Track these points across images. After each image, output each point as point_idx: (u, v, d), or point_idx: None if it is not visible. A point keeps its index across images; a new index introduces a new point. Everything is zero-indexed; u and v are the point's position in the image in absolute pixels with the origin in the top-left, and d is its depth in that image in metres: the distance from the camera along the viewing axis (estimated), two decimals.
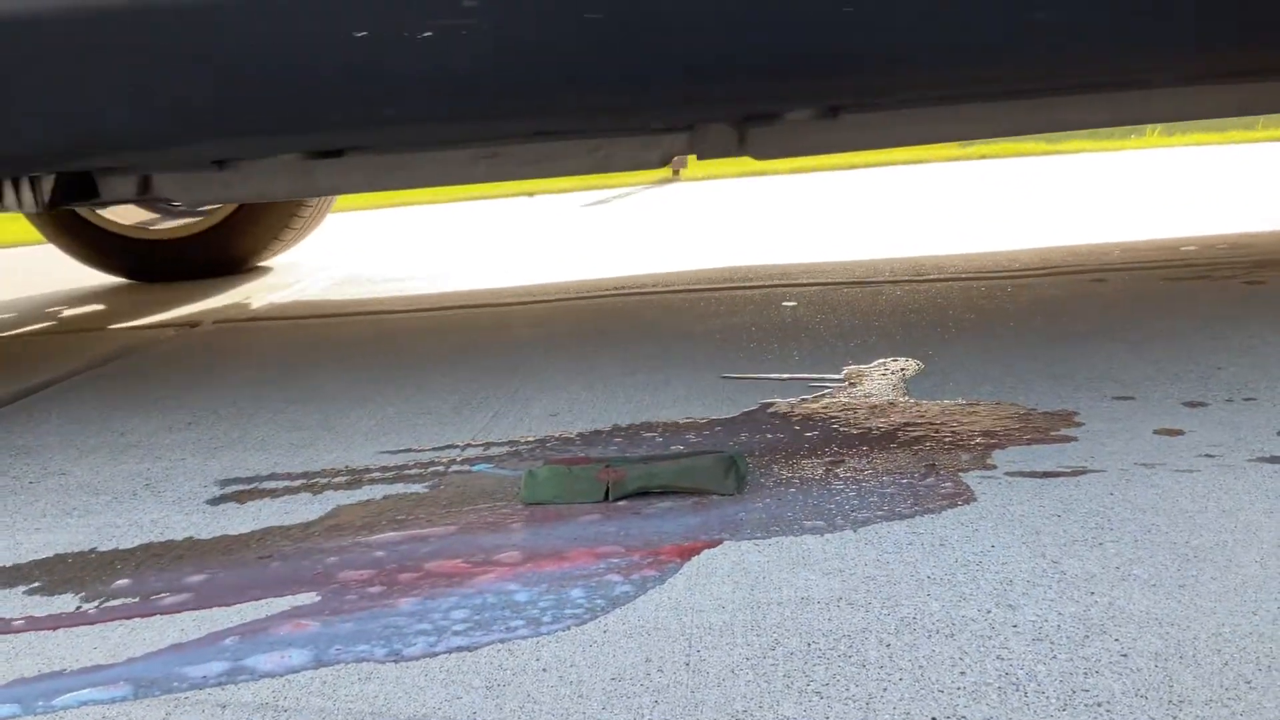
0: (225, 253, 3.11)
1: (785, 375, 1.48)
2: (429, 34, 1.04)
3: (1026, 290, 1.94)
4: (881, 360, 1.52)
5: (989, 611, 0.78)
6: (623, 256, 2.87)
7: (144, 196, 1.53)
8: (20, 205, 1.41)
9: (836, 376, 1.46)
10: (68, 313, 2.69)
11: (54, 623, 0.92)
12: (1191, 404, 1.22)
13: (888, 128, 1.47)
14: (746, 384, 1.45)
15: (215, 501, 1.17)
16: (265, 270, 3.22)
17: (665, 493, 1.07)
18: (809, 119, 1.42)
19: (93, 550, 1.07)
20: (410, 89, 1.13)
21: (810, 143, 1.48)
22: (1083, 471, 1.04)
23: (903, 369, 1.47)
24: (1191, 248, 2.27)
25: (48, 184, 1.40)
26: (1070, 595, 0.80)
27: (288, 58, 1.10)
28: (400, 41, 1.05)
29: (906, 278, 2.17)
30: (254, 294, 2.74)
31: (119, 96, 1.12)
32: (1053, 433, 1.16)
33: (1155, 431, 1.14)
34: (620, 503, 1.06)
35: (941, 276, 2.15)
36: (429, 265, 3.03)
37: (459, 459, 1.25)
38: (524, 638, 0.81)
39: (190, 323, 2.35)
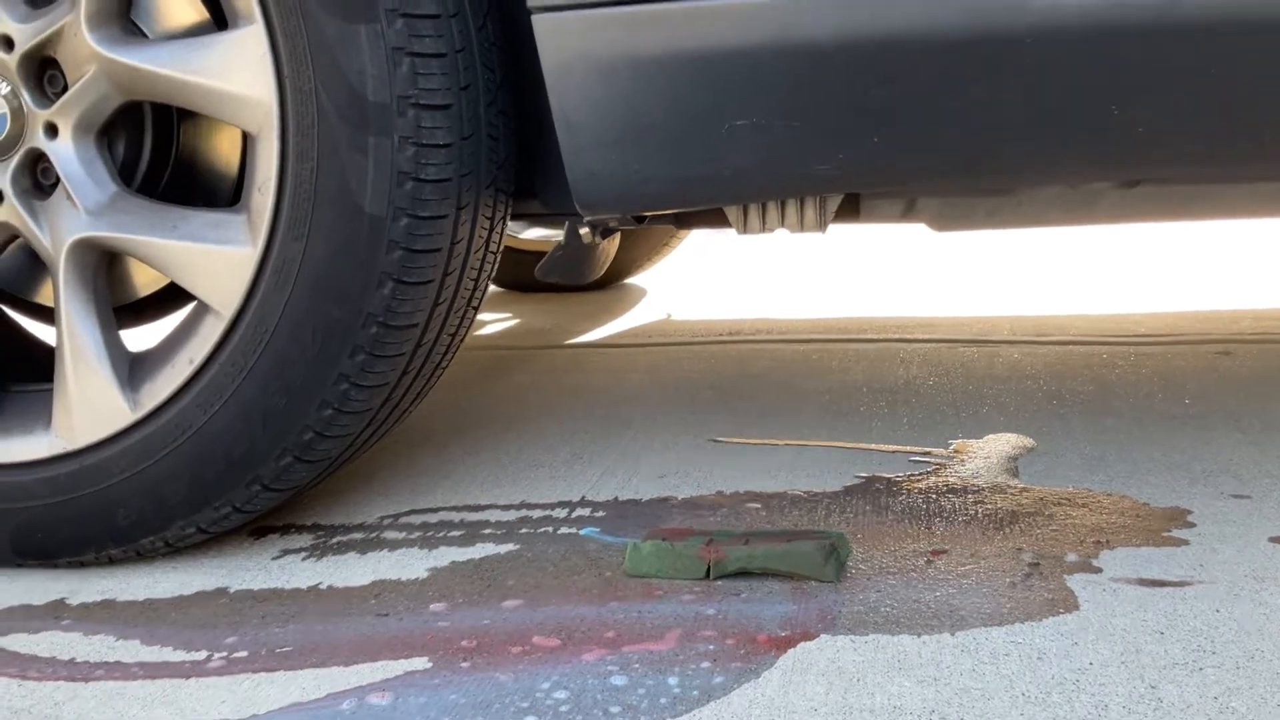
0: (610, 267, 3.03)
1: (891, 447, 1.49)
2: None
3: (1149, 360, 1.90)
4: (992, 435, 1.52)
5: None
6: (735, 296, 2.89)
7: (902, 219, 1.50)
8: (802, 225, 1.45)
9: (944, 452, 1.46)
10: None
11: (189, 670, 1.00)
12: None
13: None
14: (851, 453, 1.47)
15: (339, 549, 1.24)
16: (633, 287, 3.20)
17: (765, 574, 1.09)
18: None
19: (224, 594, 1.15)
20: None
21: None
22: (1190, 583, 1.03)
23: (1014, 447, 1.46)
24: None
25: (834, 203, 1.40)
26: None
27: None
28: None
29: (1026, 338, 2.15)
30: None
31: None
32: (1164, 534, 1.14)
33: (1270, 539, 1.12)
34: (719, 581, 1.09)
35: (1063, 339, 2.12)
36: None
37: (569, 518, 1.29)
38: None
39: None
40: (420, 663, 0.97)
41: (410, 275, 1.12)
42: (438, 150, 1.11)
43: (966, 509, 1.25)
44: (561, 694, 0.90)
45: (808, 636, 0.97)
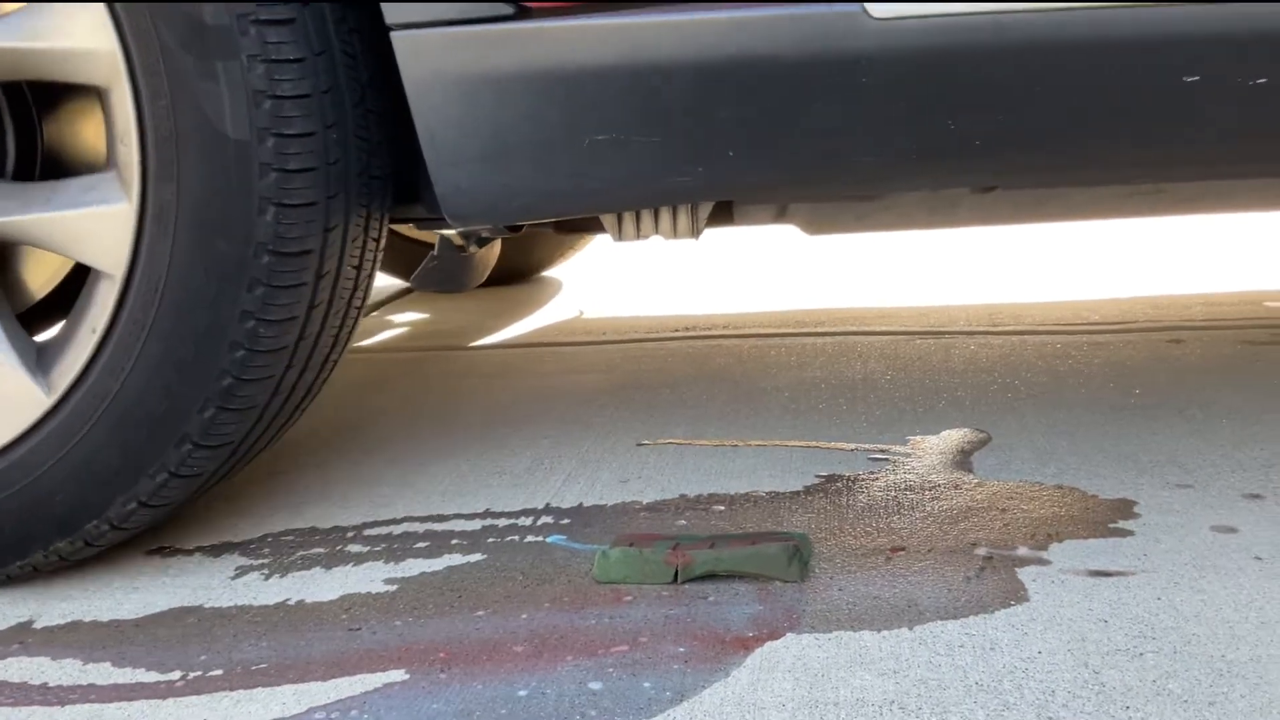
0: (517, 263, 3.18)
1: (850, 446, 1.59)
2: (1263, 80, 1.15)
3: (1102, 350, 2.03)
4: (948, 430, 1.63)
5: None
6: (693, 288, 2.99)
7: (775, 223, 1.62)
8: (675, 232, 1.53)
9: (902, 449, 1.56)
10: None
11: (165, 691, 1.07)
12: (1251, 496, 1.31)
13: None
14: (811, 453, 1.57)
15: (305, 564, 1.32)
16: (551, 280, 3.31)
17: (731, 576, 1.19)
18: None
19: (191, 613, 1.22)
20: (1209, 134, 1.22)
21: None
22: (1134, 573, 1.14)
23: (969, 441, 1.57)
24: (1276, 303, 2.33)
25: (705, 210, 1.50)
26: (1106, 709, 0.90)
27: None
28: (1229, 88, 1.16)
29: (981, 329, 2.26)
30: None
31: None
32: (1110, 525, 1.26)
33: (1211, 528, 1.23)
34: (687, 585, 1.18)
35: (1017, 329, 2.24)
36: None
37: (535, 525, 1.38)
38: None
39: None
40: (398, 675, 1.05)
41: (290, 198, 1.18)
42: (289, 65, 1.16)
43: (923, 505, 1.35)
44: (540, 700, 0.99)
45: (774, 635, 1.06)
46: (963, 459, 1.51)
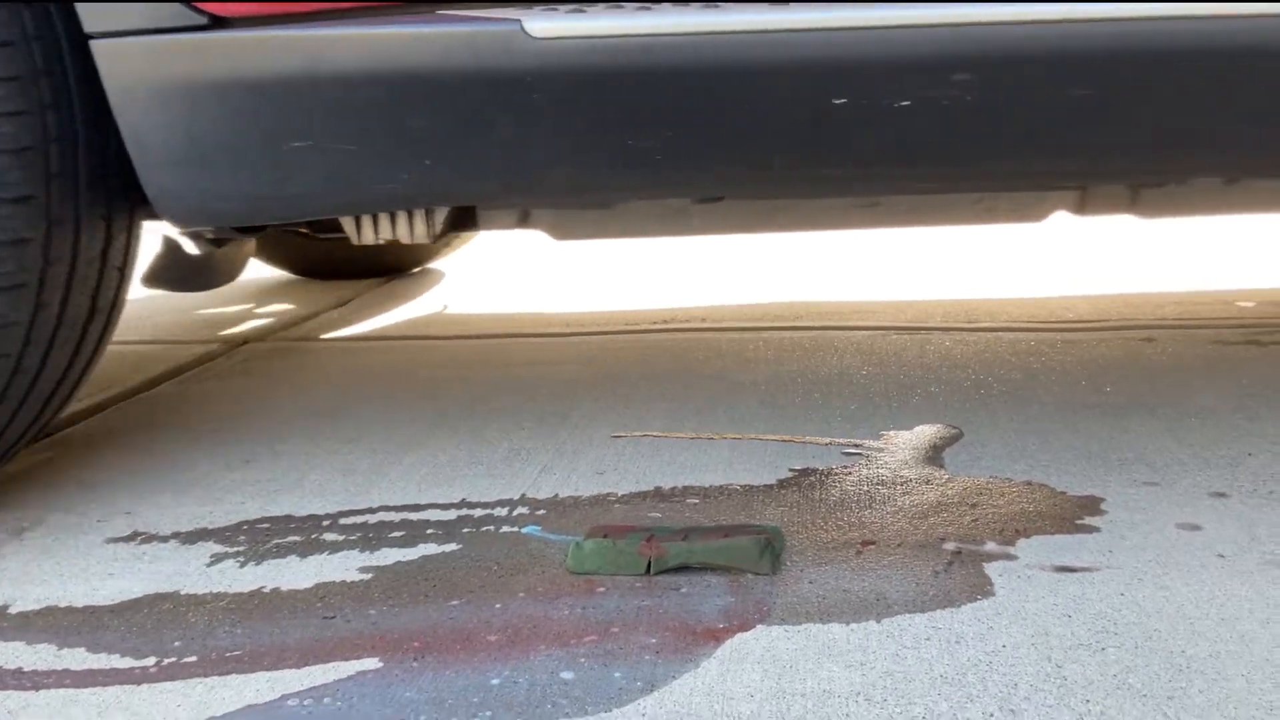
0: (399, 256, 3.25)
1: (825, 440, 1.61)
2: (907, 103, 1.23)
3: (1075, 347, 2.05)
4: (921, 426, 1.65)
5: (991, 715, 0.91)
6: (678, 278, 3.00)
7: (520, 227, 1.68)
8: (412, 235, 1.58)
9: (875, 443, 1.58)
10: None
11: (139, 676, 1.08)
12: (1216, 494, 1.33)
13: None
14: (785, 447, 1.59)
15: (280, 552, 1.33)
16: (435, 272, 3.37)
17: (703, 568, 1.20)
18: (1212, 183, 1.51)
19: (165, 600, 1.23)
20: (867, 152, 1.30)
21: (1204, 205, 1.55)
22: (1098, 568, 1.16)
23: (942, 437, 1.59)
24: (1249, 303, 2.37)
25: (441, 215, 1.55)
26: (1067, 703, 0.92)
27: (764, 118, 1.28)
28: (877, 110, 1.24)
29: (957, 325, 2.29)
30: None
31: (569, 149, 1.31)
32: (1077, 522, 1.28)
33: (1177, 525, 1.26)
34: (660, 576, 1.20)
35: (993, 326, 2.27)
36: (522, 280, 3.18)
37: (510, 516, 1.39)
38: (570, 716, 0.95)
39: (239, 341, 2.52)
40: (371, 663, 1.07)
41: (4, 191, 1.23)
42: None
43: (894, 500, 1.37)
44: (512, 689, 1.00)
45: (744, 627, 1.08)
46: (935, 454, 1.53)
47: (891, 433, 1.63)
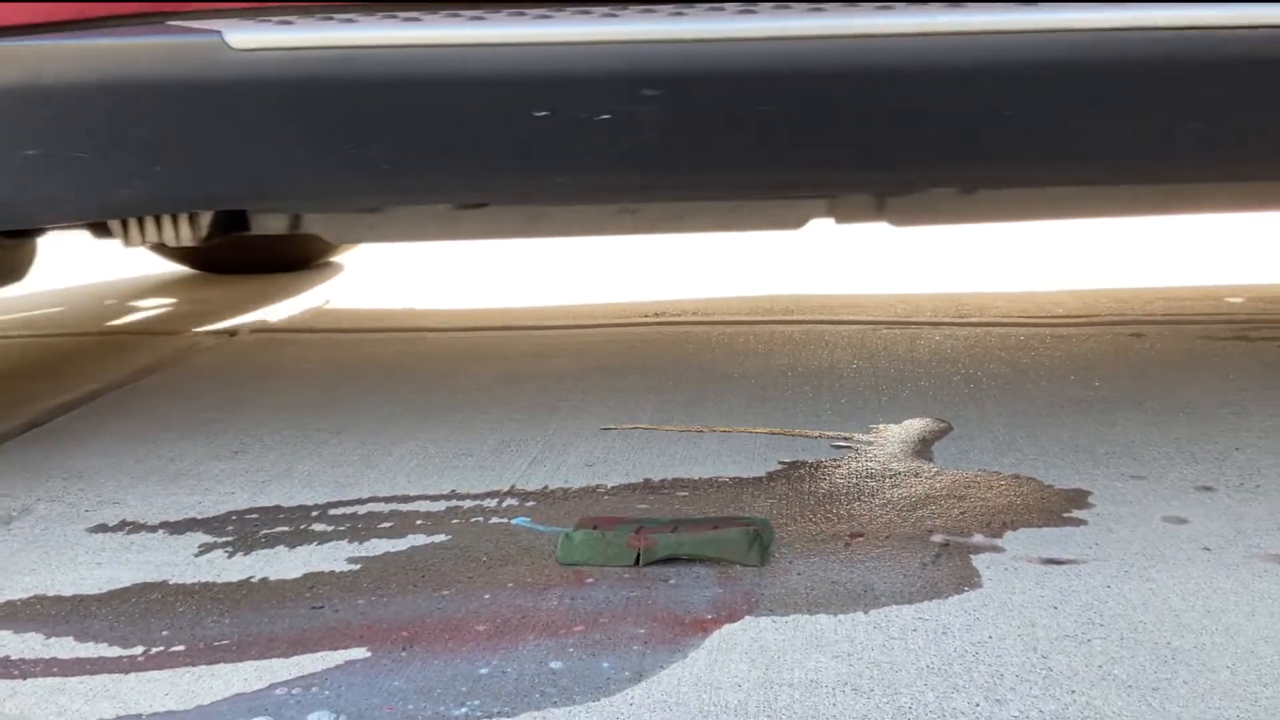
0: (300, 249, 3.28)
1: (815, 433, 1.61)
2: (606, 117, 1.28)
3: (1064, 342, 2.06)
4: (911, 419, 1.65)
5: (977, 705, 0.92)
6: (670, 271, 3.00)
7: (293, 232, 1.74)
8: (178, 238, 1.61)
9: (864, 437, 1.59)
10: (118, 308, 2.86)
11: (127, 665, 1.08)
12: (1203, 488, 1.34)
13: (1023, 203, 1.61)
14: (775, 440, 1.59)
15: (269, 542, 1.33)
16: (337, 266, 3.40)
17: (692, 559, 1.21)
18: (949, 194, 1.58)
19: (154, 589, 1.22)
20: (578, 163, 1.35)
21: (949, 214, 1.62)
22: (1085, 561, 1.17)
23: (931, 430, 1.60)
24: (1237, 299, 2.38)
25: (206, 219, 1.60)
26: (1052, 693, 0.93)
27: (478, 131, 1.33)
28: (578, 123, 1.29)
29: (947, 319, 2.29)
30: (308, 297, 2.91)
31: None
32: (1064, 514, 1.29)
33: (1163, 518, 1.27)
34: (649, 567, 1.20)
35: (983, 320, 2.27)
36: (479, 270, 3.18)
37: (499, 508, 1.39)
38: (557, 705, 0.96)
39: (229, 332, 2.51)
40: (359, 652, 1.07)
41: None
42: None
43: (883, 492, 1.38)
44: (500, 679, 1.00)
45: (733, 618, 1.09)
46: (923, 448, 1.53)
47: (881, 426, 1.63)
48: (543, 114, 1.28)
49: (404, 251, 3.69)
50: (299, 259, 3.34)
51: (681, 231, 1.70)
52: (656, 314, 2.49)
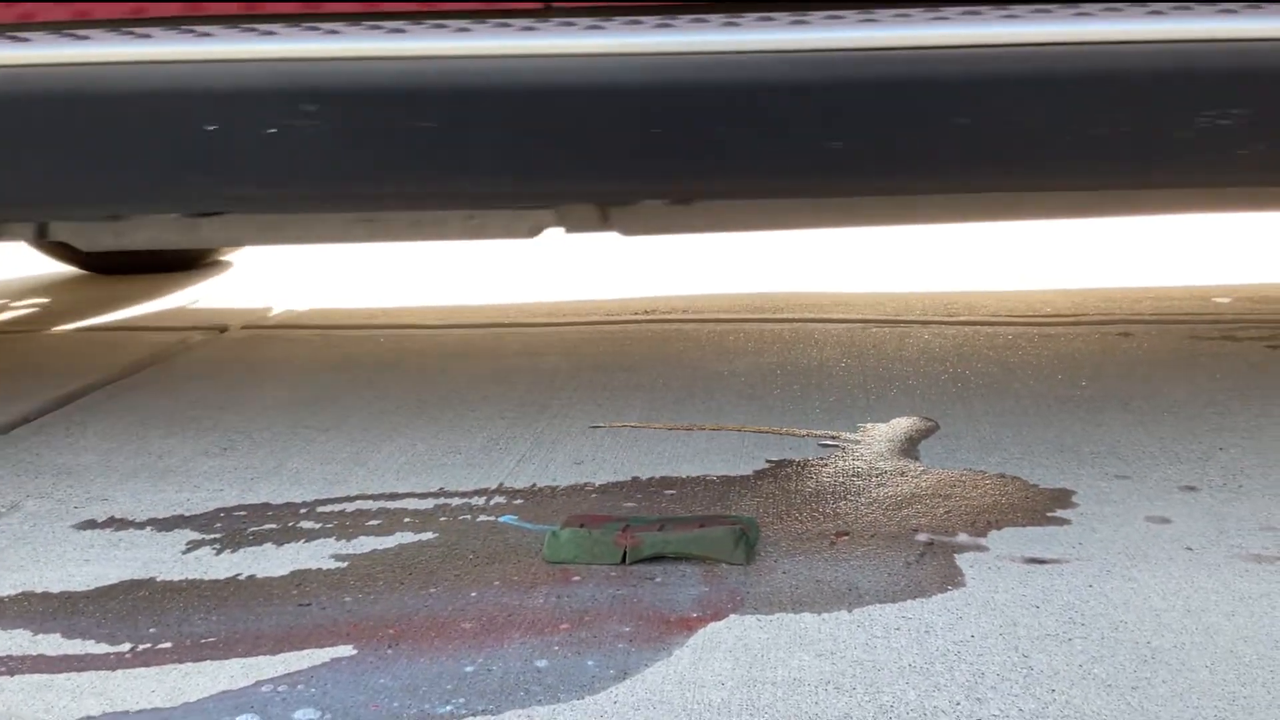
0: (187, 250, 3.29)
1: (802, 431, 1.62)
2: (273, 130, 1.37)
3: (1052, 341, 2.07)
4: (898, 418, 1.66)
5: (958, 703, 0.93)
6: (658, 269, 3.01)
7: (42, 240, 1.83)
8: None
9: (852, 435, 1.60)
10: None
11: (114, 662, 1.08)
12: (1186, 488, 1.35)
13: (740, 214, 1.68)
14: (763, 438, 1.60)
15: (256, 540, 1.33)
16: (227, 265, 3.42)
17: (678, 558, 1.21)
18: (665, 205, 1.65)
19: (141, 587, 1.23)
20: (254, 173, 1.44)
21: (671, 223, 1.69)
22: (1068, 560, 1.18)
23: (918, 429, 1.61)
24: (1224, 299, 2.39)
25: None
26: (1033, 692, 0.94)
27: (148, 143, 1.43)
28: (247, 135, 1.38)
29: (936, 318, 2.30)
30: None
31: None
32: (1049, 514, 1.29)
33: (1146, 518, 1.27)
34: (635, 566, 1.21)
35: (971, 319, 2.28)
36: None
37: (487, 506, 1.40)
38: (542, 703, 0.96)
39: (219, 328, 2.51)
40: (346, 650, 1.07)
41: None
42: None
43: (869, 491, 1.39)
44: (486, 676, 1.01)
45: (717, 617, 1.09)
46: (910, 446, 1.54)
47: (868, 425, 1.64)
48: (212, 127, 1.37)
49: (302, 251, 3.68)
50: (187, 259, 3.35)
51: (420, 240, 1.77)
52: (647, 311, 2.49)
